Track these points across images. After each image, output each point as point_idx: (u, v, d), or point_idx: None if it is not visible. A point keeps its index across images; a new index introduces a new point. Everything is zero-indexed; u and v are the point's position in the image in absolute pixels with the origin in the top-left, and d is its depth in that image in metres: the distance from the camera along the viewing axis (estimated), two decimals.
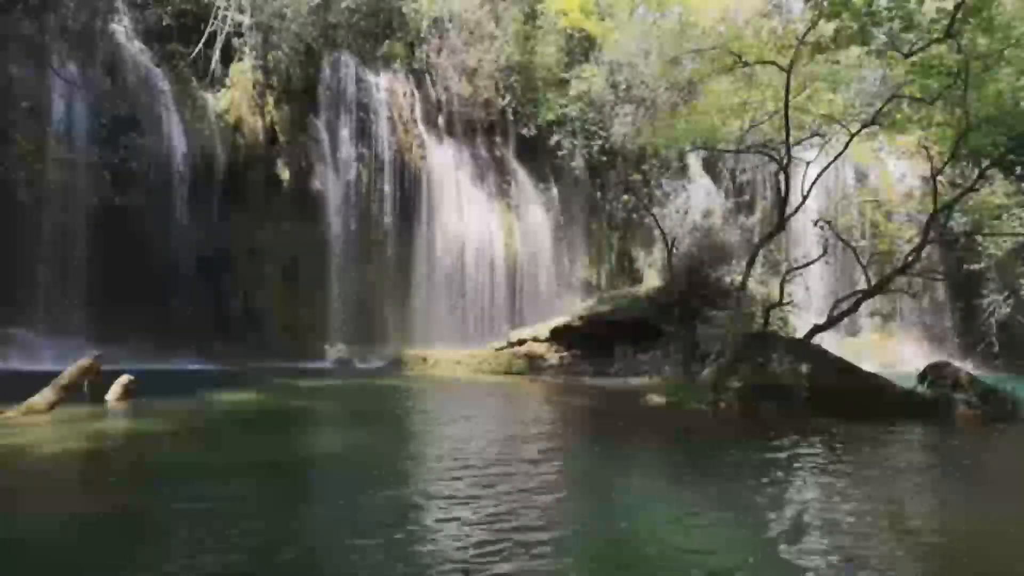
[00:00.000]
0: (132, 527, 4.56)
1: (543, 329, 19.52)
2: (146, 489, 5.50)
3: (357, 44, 23.60)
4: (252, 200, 19.90)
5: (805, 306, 15.92)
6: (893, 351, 25.78)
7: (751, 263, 14.25)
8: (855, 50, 12.90)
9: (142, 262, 17.10)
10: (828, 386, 10.74)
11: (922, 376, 11.79)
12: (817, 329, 12.80)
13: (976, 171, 13.63)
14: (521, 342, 19.49)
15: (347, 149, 22.41)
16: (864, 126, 13.45)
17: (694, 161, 28.35)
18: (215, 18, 19.92)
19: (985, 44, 11.14)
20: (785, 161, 13.55)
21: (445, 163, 24.56)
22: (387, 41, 24.48)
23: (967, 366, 17.14)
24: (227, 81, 20.36)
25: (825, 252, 16.28)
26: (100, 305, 16.01)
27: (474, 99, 25.13)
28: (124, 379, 9.93)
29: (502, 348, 19.53)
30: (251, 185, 19.94)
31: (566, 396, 13.56)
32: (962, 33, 10.87)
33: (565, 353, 18.58)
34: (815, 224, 16.80)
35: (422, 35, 24.77)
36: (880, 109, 12.99)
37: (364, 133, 22.81)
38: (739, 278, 15.02)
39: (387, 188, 22.85)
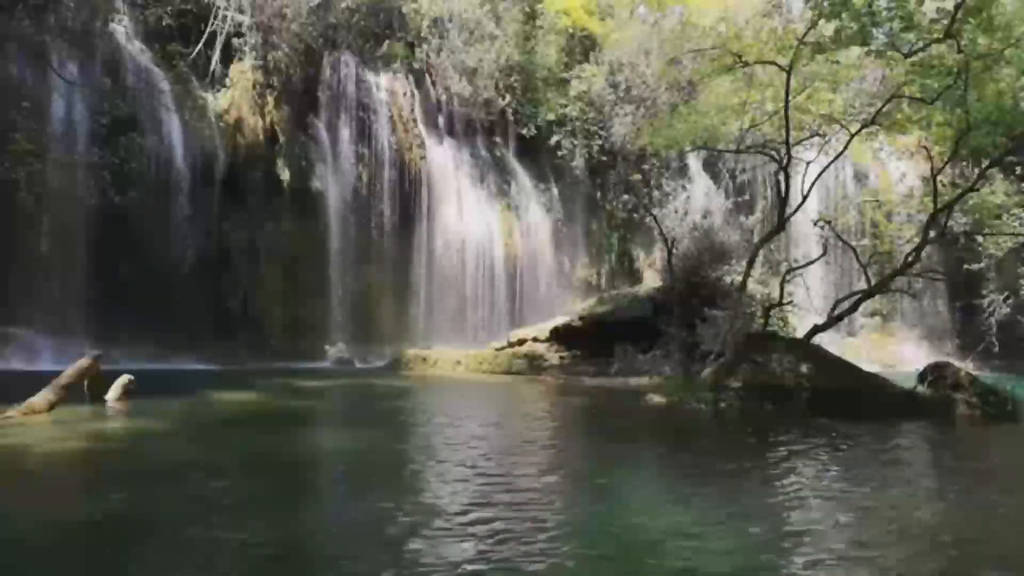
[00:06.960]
0: (131, 527, 4.56)
1: (543, 329, 19.48)
2: (146, 489, 5.49)
3: (357, 44, 23.58)
4: (252, 200, 19.87)
5: (805, 306, 15.88)
6: (893, 351, 25.78)
7: (751, 263, 14.24)
8: (855, 50, 12.88)
9: (142, 262, 17.08)
10: (828, 386, 10.74)
11: (922, 376, 11.79)
12: (817, 329, 12.80)
13: (976, 171, 13.62)
14: (521, 342, 19.46)
15: (347, 149, 22.39)
16: (864, 126, 13.43)
17: (694, 161, 28.34)
18: (215, 18, 19.89)
19: (985, 44, 11.12)
20: (785, 161, 13.55)
21: (445, 163, 24.54)
22: (387, 41, 24.46)
23: (967, 366, 17.10)
24: (227, 81, 20.33)
25: (825, 252, 16.29)
26: (100, 305, 15.99)
27: (474, 99, 25.10)
28: (124, 379, 9.94)
29: (502, 348, 19.50)
30: (251, 185, 19.91)
31: (566, 396, 13.56)
32: (962, 33, 10.86)
33: (565, 353, 18.55)
34: (815, 224, 16.82)
35: (422, 35, 24.75)
36: (880, 109, 12.97)
37: (364, 133, 22.79)
38: (739, 278, 15.00)
39: (387, 188, 22.84)
